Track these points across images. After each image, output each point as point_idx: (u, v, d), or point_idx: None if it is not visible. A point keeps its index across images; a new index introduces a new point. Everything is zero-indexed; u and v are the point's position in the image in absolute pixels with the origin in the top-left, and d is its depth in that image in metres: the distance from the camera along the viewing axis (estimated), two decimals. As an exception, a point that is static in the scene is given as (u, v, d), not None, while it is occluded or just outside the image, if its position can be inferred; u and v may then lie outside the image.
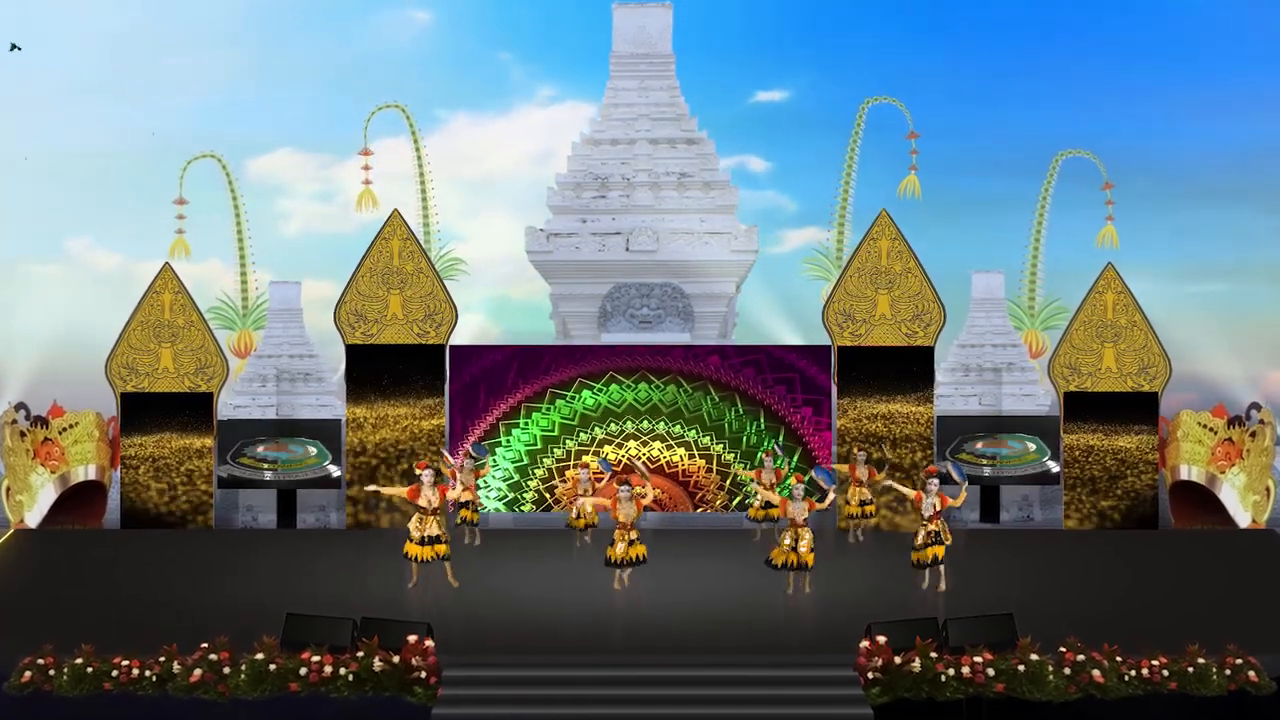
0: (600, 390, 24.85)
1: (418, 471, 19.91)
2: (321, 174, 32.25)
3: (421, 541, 19.44)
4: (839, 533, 23.43)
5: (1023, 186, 29.78)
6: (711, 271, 27.33)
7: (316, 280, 28.81)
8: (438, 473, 19.88)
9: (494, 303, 30.34)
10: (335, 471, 24.75)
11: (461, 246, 30.28)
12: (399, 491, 20.13)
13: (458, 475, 21.67)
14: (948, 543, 19.64)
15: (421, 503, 19.47)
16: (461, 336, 25.28)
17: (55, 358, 26.89)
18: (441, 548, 19.48)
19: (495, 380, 24.87)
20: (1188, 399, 25.86)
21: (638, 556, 19.34)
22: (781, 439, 24.51)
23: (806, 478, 20.15)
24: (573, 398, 24.86)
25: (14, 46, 26.66)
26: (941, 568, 19.56)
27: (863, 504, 22.92)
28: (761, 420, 24.75)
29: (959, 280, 26.97)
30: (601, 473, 22.16)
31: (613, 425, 24.80)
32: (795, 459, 24.43)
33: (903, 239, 24.61)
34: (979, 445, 25.07)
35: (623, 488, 19.41)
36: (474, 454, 22.70)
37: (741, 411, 24.80)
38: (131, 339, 24.61)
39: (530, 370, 24.86)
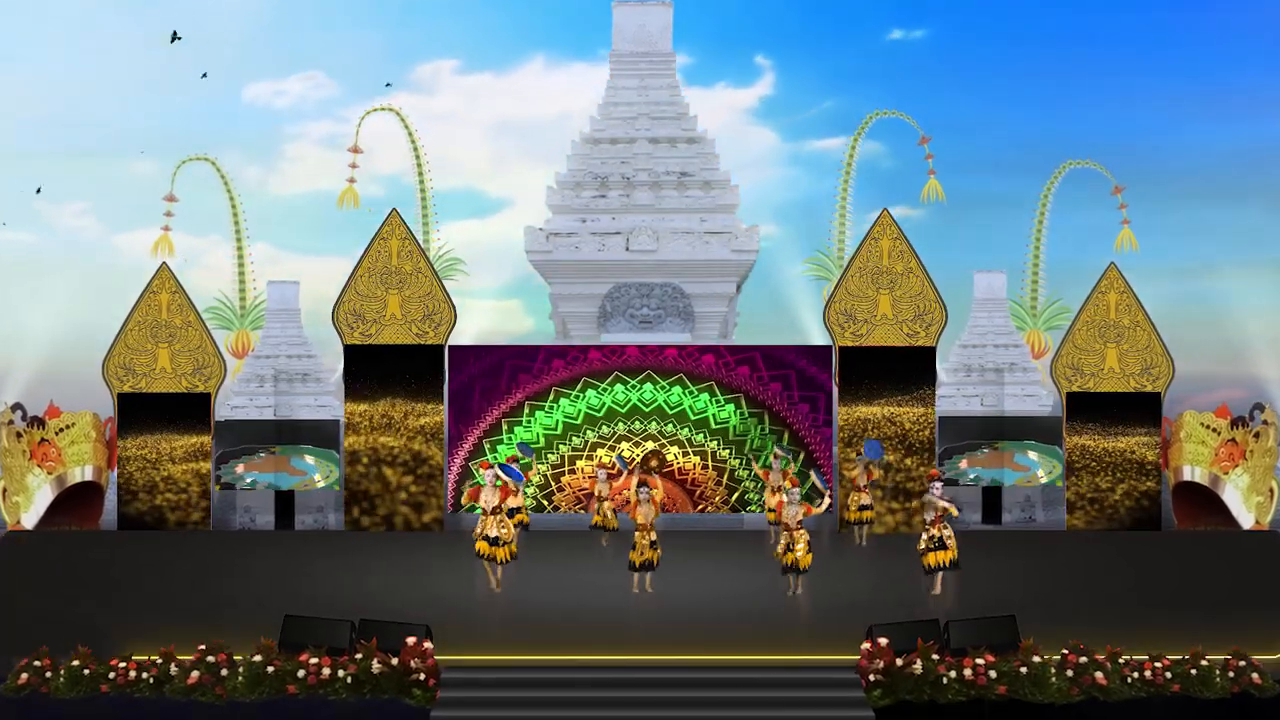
0: (603, 390, 24.85)
1: (481, 471, 20.00)
2: (339, 112, 30.70)
3: (486, 541, 19.43)
4: (840, 535, 23.41)
5: (1026, 185, 29.74)
6: (712, 271, 27.33)
7: (311, 257, 28.43)
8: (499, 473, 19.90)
9: (524, 286, 29.66)
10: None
11: (508, 213, 29.85)
12: (466, 499, 20.15)
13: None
14: (951, 549, 19.61)
15: (481, 503, 19.48)
16: (487, 327, 25.26)
17: (58, 358, 26.88)
18: (500, 551, 19.37)
19: (493, 381, 24.87)
20: (1237, 396, 25.87)
21: (653, 560, 19.33)
22: (786, 440, 24.53)
23: (805, 486, 20.13)
24: (577, 397, 24.85)
25: None
26: (940, 575, 19.58)
27: (862, 508, 22.79)
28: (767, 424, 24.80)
29: (961, 280, 26.95)
30: (617, 468, 22.24)
31: (619, 425, 24.78)
32: (799, 462, 24.44)
33: (904, 239, 24.61)
34: (963, 464, 24.96)
35: (640, 489, 19.50)
36: (520, 454, 22.74)
37: (748, 415, 24.84)
38: (129, 339, 24.62)
39: (528, 371, 24.86)
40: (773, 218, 30.20)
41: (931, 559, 19.42)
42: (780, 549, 19.30)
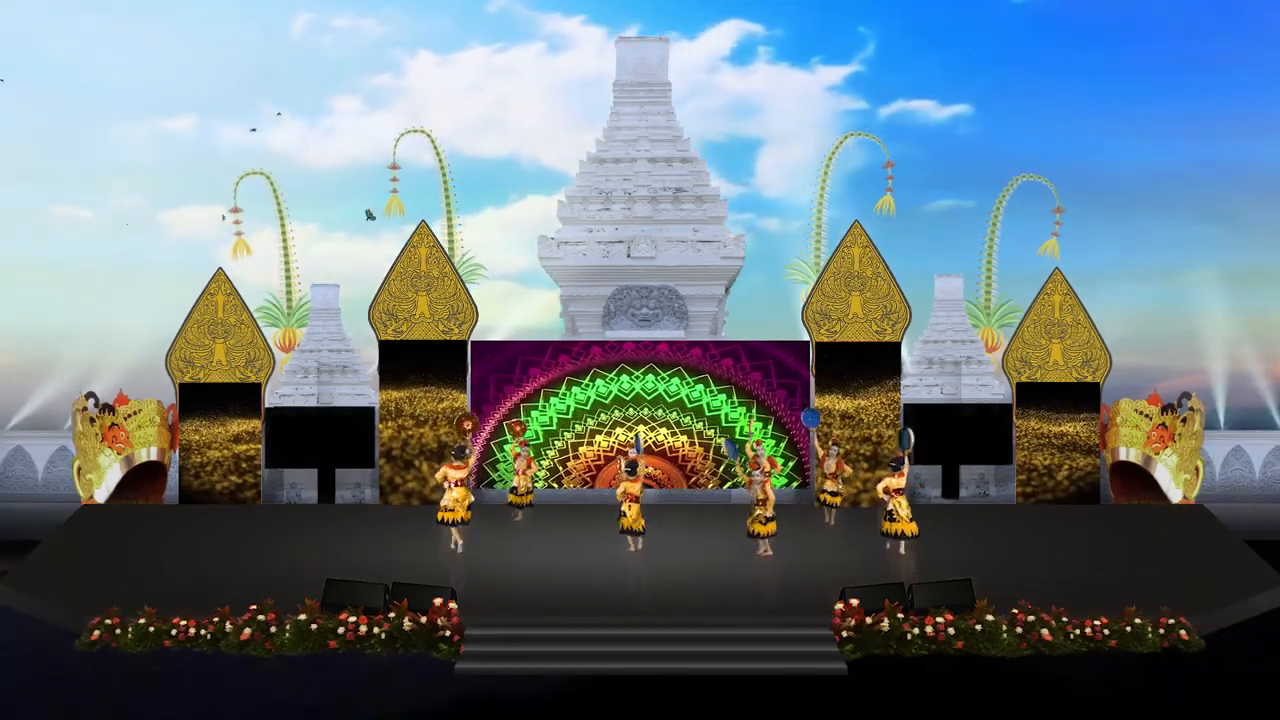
0: (609, 380, 24.84)
1: (467, 452, 20.72)
2: (400, 64, 27.01)
3: (442, 509, 20.24)
4: (816, 510, 23.35)
5: (982, 198, 29.71)
6: (704, 275, 27.29)
7: (356, 238, 27.00)
8: (456, 453, 20.39)
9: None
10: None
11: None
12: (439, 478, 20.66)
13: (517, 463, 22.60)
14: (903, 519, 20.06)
15: (444, 480, 20.22)
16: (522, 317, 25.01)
17: (136, 353, 26.76)
18: (448, 514, 20.05)
19: (509, 372, 24.85)
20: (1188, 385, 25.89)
21: (643, 526, 19.83)
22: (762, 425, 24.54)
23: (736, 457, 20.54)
24: (586, 385, 24.83)
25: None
26: (901, 542, 19.93)
27: (832, 493, 22.46)
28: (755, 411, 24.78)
29: (923, 283, 26.91)
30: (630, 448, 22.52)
31: (616, 412, 24.77)
32: (769, 428, 24.44)
33: (873, 246, 24.60)
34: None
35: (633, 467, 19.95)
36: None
37: (736, 401, 24.83)
38: (188, 335, 24.62)
39: (540, 363, 24.83)
40: (842, 190, 28.98)
41: (890, 528, 20.03)
42: (749, 520, 19.75)
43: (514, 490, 22.74)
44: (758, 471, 19.80)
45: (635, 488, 19.74)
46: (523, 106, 27.86)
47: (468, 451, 20.89)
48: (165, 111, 28.24)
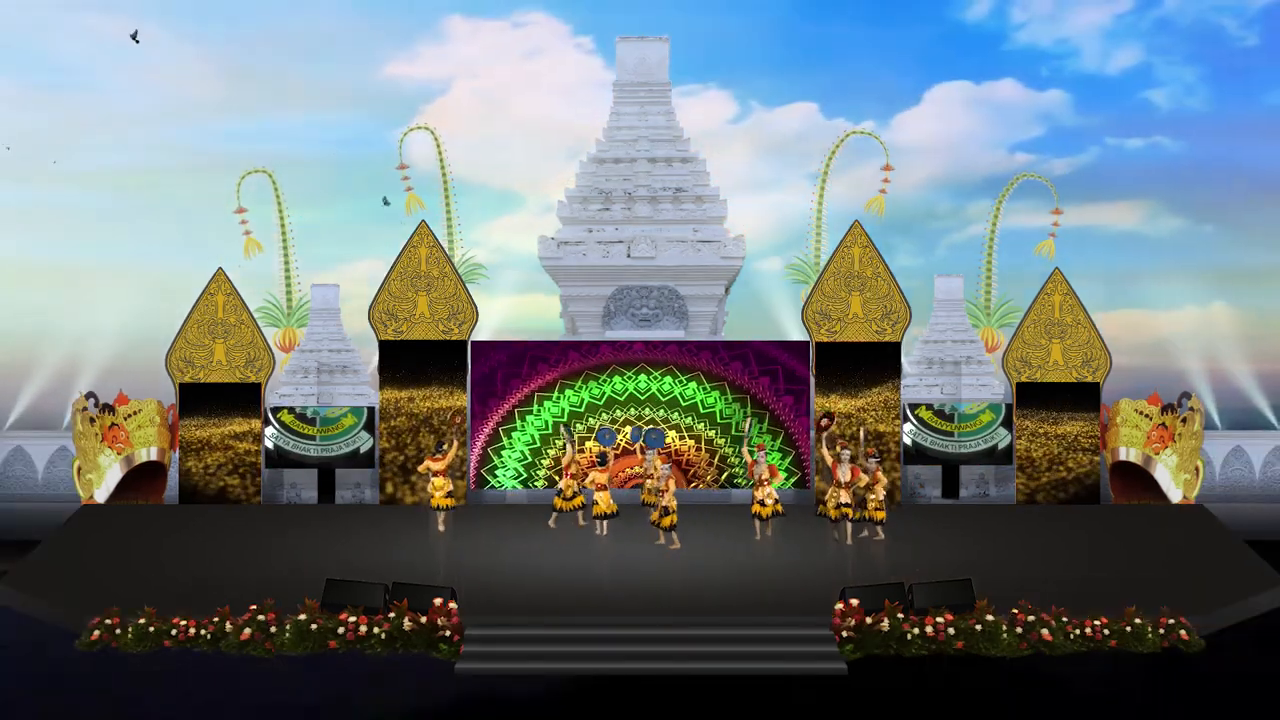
0: (605, 381, 24.82)
1: (445, 447, 22.29)
2: (430, 20, 26.48)
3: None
4: (821, 515, 23.17)
5: (981, 199, 29.71)
6: (704, 275, 27.27)
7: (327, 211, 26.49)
8: (435, 448, 22.26)
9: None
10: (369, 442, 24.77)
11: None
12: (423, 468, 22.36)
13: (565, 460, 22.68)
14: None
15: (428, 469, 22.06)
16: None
17: (125, 352, 26.71)
18: (434, 501, 21.75)
19: (511, 371, 24.83)
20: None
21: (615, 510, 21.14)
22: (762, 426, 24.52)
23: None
24: (580, 387, 24.81)
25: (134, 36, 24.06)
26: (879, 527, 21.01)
27: (841, 505, 20.89)
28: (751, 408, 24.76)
29: (923, 282, 26.93)
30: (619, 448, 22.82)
31: (618, 412, 24.76)
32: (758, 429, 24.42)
33: (873, 246, 24.59)
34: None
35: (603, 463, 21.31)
36: (565, 436, 23.70)
37: (731, 398, 24.81)
38: (189, 335, 24.62)
39: (541, 363, 24.81)
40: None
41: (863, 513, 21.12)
42: (655, 514, 20.59)
43: (560, 494, 21.83)
44: (666, 466, 20.66)
45: (603, 477, 20.97)
46: (561, 71, 27.47)
47: (445, 447, 22.20)
48: (157, 82, 28.38)
